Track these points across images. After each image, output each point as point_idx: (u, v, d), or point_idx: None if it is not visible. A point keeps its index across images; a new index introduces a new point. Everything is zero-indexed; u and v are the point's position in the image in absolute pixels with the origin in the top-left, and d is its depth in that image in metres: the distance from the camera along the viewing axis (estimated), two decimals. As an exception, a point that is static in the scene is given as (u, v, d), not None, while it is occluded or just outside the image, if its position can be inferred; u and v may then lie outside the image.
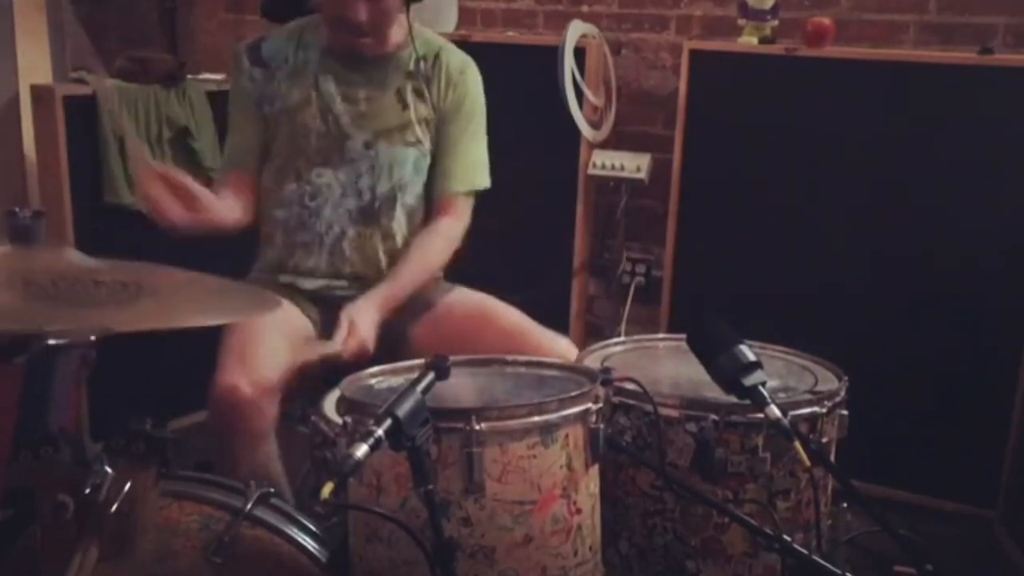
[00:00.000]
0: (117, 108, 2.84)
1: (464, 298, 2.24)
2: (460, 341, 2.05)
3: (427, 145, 2.20)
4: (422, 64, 2.18)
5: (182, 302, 1.43)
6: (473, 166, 2.24)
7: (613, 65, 3.19)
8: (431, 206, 2.25)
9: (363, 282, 2.20)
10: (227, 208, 2.11)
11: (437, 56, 2.20)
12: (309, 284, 2.20)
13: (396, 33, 2.17)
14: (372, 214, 2.19)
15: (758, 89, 2.85)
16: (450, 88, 2.20)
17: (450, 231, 2.22)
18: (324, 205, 2.17)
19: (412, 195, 2.22)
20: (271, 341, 1.99)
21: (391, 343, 2.19)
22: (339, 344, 1.95)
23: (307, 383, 2.02)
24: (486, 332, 2.11)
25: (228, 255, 2.20)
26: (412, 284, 2.15)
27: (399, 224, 2.22)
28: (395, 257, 2.22)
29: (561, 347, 2.11)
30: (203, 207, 1.98)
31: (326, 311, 2.18)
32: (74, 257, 1.47)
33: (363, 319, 2.00)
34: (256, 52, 2.18)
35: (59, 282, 1.34)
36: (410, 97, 2.18)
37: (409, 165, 2.19)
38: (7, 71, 3.07)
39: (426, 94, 2.18)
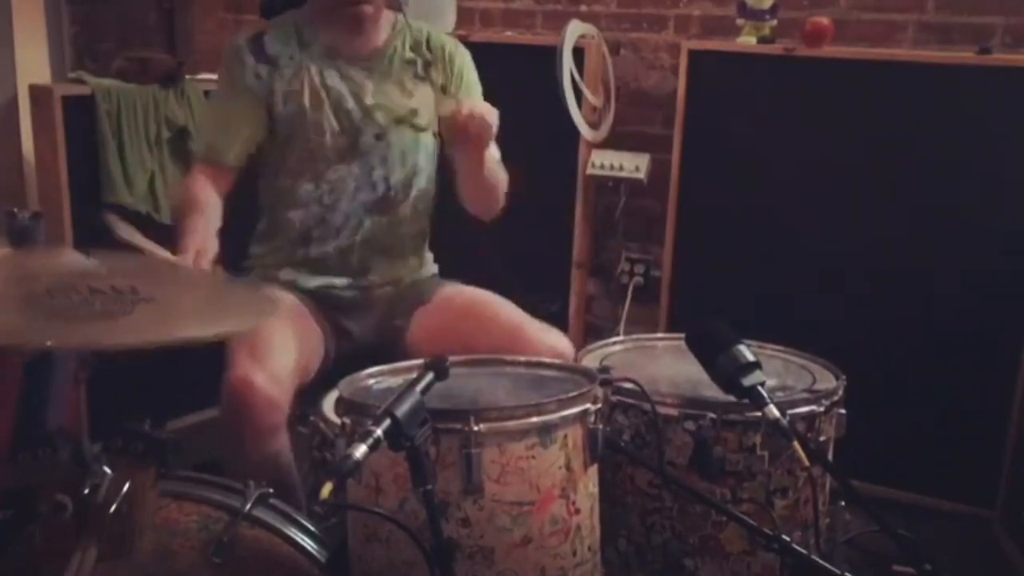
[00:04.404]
0: (115, 109, 2.83)
1: (459, 293, 2.25)
2: (456, 336, 2.08)
3: (433, 127, 2.24)
4: (420, 50, 2.23)
5: (180, 312, 1.41)
6: None
7: (612, 65, 3.19)
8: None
9: (364, 279, 2.22)
10: (217, 211, 2.09)
11: (429, 39, 2.25)
12: (310, 283, 2.20)
13: (384, 28, 2.22)
14: (388, 203, 2.21)
15: (757, 89, 2.85)
16: (450, 66, 2.26)
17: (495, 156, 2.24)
18: (340, 200, 2.18)
19: (425, 178, 2.25)
20: (283, 334, 2.00)
21: (387, 336, 2.21)
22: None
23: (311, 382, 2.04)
24: (482, 327, 2.12)
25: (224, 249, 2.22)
26: (492, 157, 2.16)
27: (413, 209, 2.25)
28: (407, 241, 2.26)
29: (552, 338, 2.12)
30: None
31: (325, 310, 2.19)
32: (72, 259, 1.47)
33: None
34: (260, 47, 2.16)
35: (55, 291, 1.33)
36: (411, 83, 2.21)
37: (420, 150, 2.23)
38: (6, 71, 3.07)
39: (427, 77, 2.23)
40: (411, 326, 2.20)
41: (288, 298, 2.15)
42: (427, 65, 2.23)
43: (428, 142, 2.24)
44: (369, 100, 2.17)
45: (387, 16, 2.23)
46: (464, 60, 2.30)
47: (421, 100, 2.22)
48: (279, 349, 1.95)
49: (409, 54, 2.23)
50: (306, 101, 2.14)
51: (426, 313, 2.20)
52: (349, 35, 2.18)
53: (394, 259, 2.26)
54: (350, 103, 2.16)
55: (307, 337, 2.11)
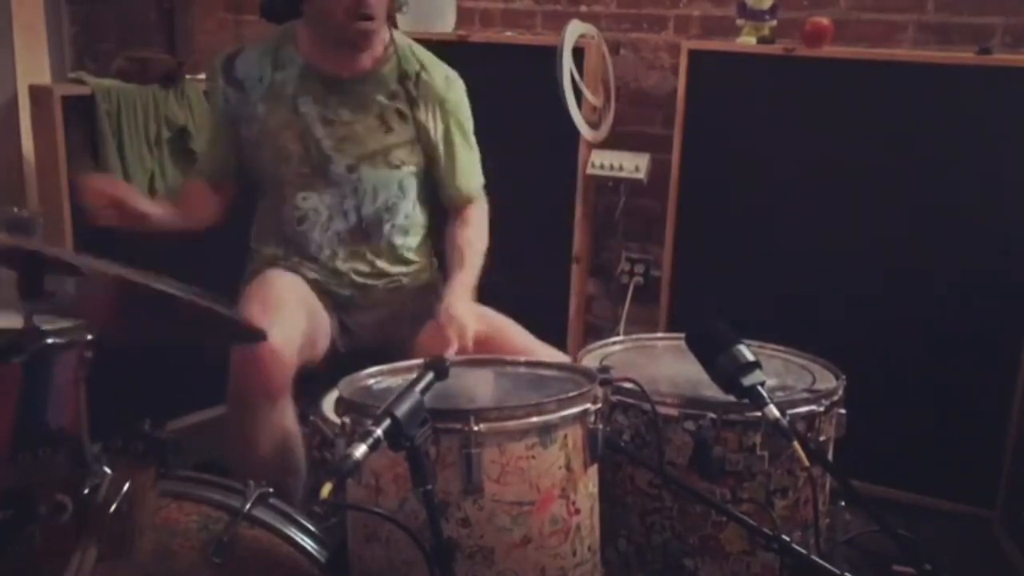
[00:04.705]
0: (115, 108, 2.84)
1: None
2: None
3: (412, 166, 2.18)
4: (407, 84, 2.15)
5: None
6: (476, 169, 2.28)
7: (612, 65, 3.19)
8: (449, 209, 2.27)
9: (363, 288, 2.21)
10: (176, 218, 2.15)
11: (419, 76, 2.16)
12: (312, 275, 2.19)
13: (376, 47, 2.14)
14: (361, 234, 2.18)
15: (756, 89, 2.85)
16: (439, 107, 2.17)
17: (480, 215, 2.27)
18: (312, 229, 2.15)
19: (402, 215, 2.20)
20: (295, 295, 2.04)
21: (389, 341, 2.19)
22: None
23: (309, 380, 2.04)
24: (489, 347, 2.06)
25: (223, 259, 2.22)
26: (477, 267, 2.16)
27: (393, 240, 2.21)
28: (395, 265, 2.23)
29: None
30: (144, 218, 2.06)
31: (330, 298, 2.20)
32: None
33: (466, 319, 1.98)
34: (230, 70, 2.15)
35: None
36: (393, 120, 2.14)
37: (394, 187, 2.17)
38: (5, 71, 3.07)
39: (410, 116, 2.15)
40: (421, 339, 2.16)
41: (293, 276, 2.16)
42: (412, 103, 2.15)
43: (405, 179, 2.18)
44: (342, 131, 2.11)
45: (383, 34, 2.13)
46: (457, 107, 2.20)
47: (400, 137, 2.15)
48: (291, 307, 1.99)
49: (395, 86, 2.14)
50: (271, 123, 2.11)
51: (436, 328, 2.12)
52: (340, 54, 2.11)
53: (387, 276, 2.23)
54: (320, 131, 2.11)
55: (316, 312, 2.12)
